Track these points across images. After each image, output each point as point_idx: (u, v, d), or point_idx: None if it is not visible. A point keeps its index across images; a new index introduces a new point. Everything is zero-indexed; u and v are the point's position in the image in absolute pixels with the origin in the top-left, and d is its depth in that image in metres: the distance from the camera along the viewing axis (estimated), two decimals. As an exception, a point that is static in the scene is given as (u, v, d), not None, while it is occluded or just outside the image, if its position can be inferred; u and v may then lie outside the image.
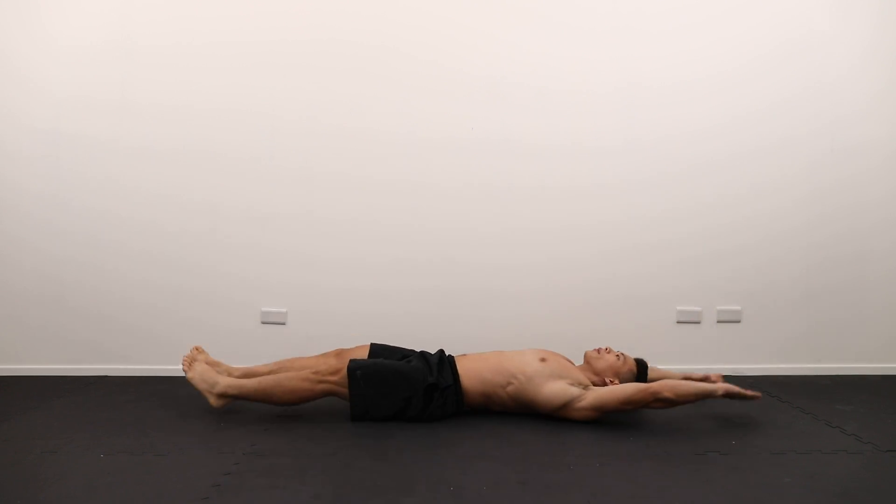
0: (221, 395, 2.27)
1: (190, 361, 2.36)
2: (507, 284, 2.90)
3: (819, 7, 2.93)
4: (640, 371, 2.41)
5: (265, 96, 2.86)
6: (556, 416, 2.23)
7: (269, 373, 2.39)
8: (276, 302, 2.88)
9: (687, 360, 2.93)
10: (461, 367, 2.30)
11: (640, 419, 2.29)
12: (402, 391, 2.21)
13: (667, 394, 2.13)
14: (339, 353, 2.44)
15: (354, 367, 2.21)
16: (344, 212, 2.86)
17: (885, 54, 2.94)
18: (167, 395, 2.54)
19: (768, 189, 2.93)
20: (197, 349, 2.43)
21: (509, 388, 2.25)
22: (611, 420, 2.26)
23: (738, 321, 2.95)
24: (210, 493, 1.67)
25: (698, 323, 2.95)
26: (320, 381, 2.23)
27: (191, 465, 1.86)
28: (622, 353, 2.41)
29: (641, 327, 2.93)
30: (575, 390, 2.21)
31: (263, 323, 2.89)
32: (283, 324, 2.88)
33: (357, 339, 2.88)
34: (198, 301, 2.87)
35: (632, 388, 2.19)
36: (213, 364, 2.41)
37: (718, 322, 2.95)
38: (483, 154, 2.89)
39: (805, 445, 2.02)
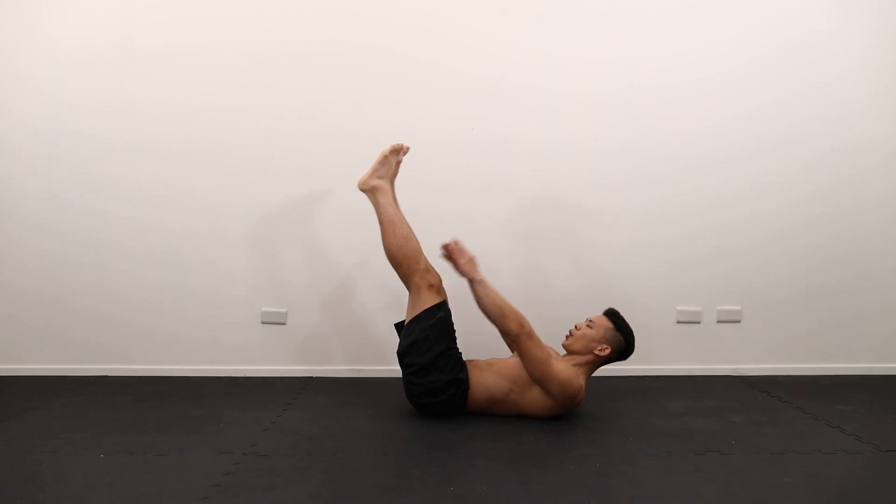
0: (369, 189, 2.40)
1: (390, 152, 2.43)
2: (506, 285, 2.89)
3: (819, 7, 2.93)
4: (613, 319, 2.37)
5: (265, 96, 2.86)
6: (561, 412, 2.23)
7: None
8: (276, 302, 2.88)
9: (687, 360, 2.93)
10: (471, 372, 2.30)
11: (639, 419, 2.29)
12: (445, 363, 2.23)
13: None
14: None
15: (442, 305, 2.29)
16: (344, 212, 2.85)
17: (885, 54, 2.94)
18: (167, 395, 2.54)
19: (768, 189, 2.94)
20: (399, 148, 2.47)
21: (512, 395, 2.25)
22: (611, 420, 2.27)
23: (738, 321, 2.95)
24: (210, 493, 1.67)
25: (698, 323, 2.95)
26: (427, 269, 2.32)
27: (191, 465, 1.86)
28: (589, 319, 2.38)
29: (641, 327, 2.90)
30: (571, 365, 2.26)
31: (263, 323, 2.89)
32: (283, 324, 2.88)
33: (357, 339, 2.89)
34: (198, 301, 2.87)
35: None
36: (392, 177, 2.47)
37: (718, 322, 2.95)
38: (483, 154, 2.89)
39: (805, 445, 2.02)
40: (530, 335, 2.19)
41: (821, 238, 2.95)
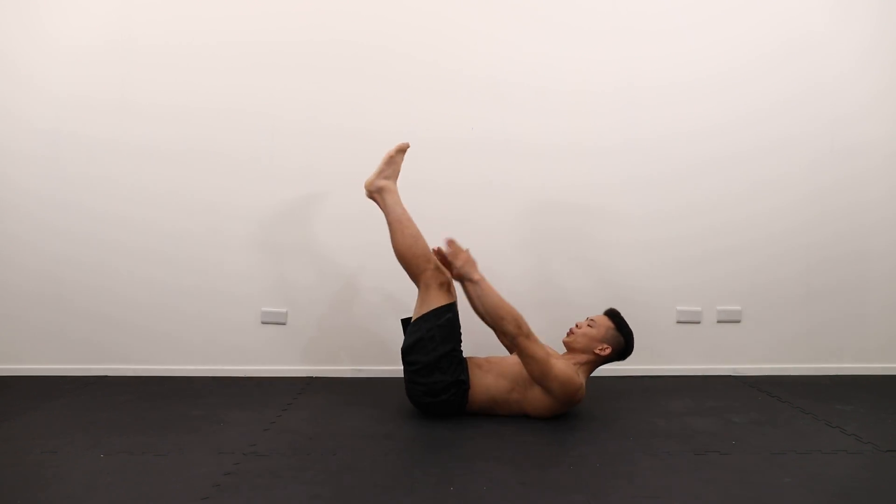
0: (376, 190, 2.40)
1: (396, 152, 2.44)
2: (506, 285, 2.89)
3: (819, 7, 2.93)
4: (614, 319, 2.36)
5: (265, 96, 2.86)
6: (562, 410, 2.23)
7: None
8: (276, 302, 2.88)
9: (687, 360, 2.93)
10: (472, 371, 2.30)
11: (639, 419, 2.29)
12: (448, 364, 2.23)
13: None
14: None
15: (451, 307, 2.28)
16: (344, 212, 2.85)
17: (885, 54, 2.94)
18: (167, 395, 2.54)
19: (768, 189, 2.94)
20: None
21: (513, 395, 2.25)
22: (611, 420, 2.27)
23: (738, 321, 2.95)
24: (210, 493, 1.67)
25: (698, 323, 2.95)
26: (437, 268, 2.31)
27: (191, 465, 1.86)
28: (590, 318, 2.37)
29: (641, 327, 2.91)
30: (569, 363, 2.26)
31: (263, 323, 2.89)
32: (284, 324, 2.88)
33: (357, 339, 2.89)
34: (198, 301, 2.87)
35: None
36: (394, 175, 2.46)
37: (718, 322, 2.95)
38: (483, 154, 2.89)
39: (805, 445, 2.02)
40: (528, 335, 2.18)
41: (821, 238, 2.95)
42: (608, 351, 2.30)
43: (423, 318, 2.26)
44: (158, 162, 2.85)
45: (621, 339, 2.33)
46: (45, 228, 2.84)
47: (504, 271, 2.89)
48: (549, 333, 2.90)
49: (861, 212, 2.95)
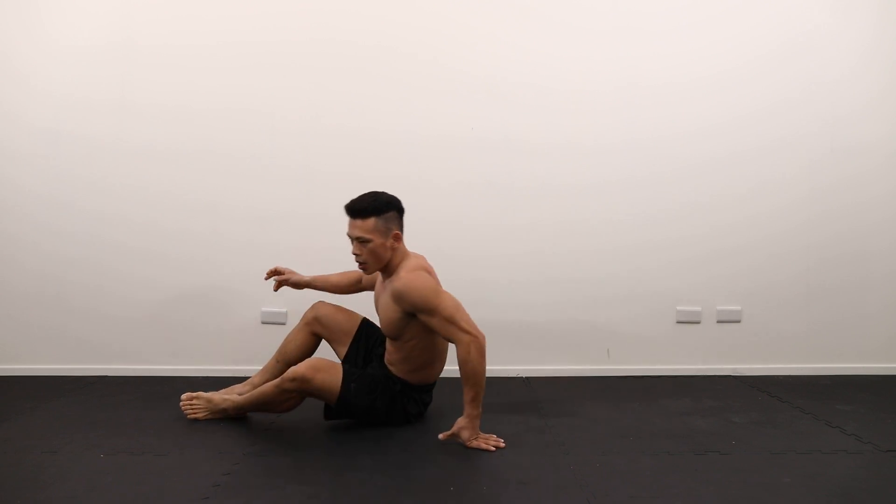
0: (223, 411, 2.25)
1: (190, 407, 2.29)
2: (506, 284, 2.90)
3: (820, 7, 2.93)
4: (375, 210, 2.13)
5: (265, 96, 2.86)
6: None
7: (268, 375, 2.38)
8: (276, 302, 2.87)
9: (687, 360, 2.93)
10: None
11: (639, 419, 2.29)
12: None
13: None
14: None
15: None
16: (344, 211, 2.85)
17: (885, 54, 2.93)
18: (167, 395, 2.53)
19: (768, 189, 2.93)
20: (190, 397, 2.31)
21: (408, 344, 2.15)
22: (611, 420, 2.27)
23: (738, 321, 2.95)
24: (210, 493, 1.67)
25: (698, 323, 2.95)
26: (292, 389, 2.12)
27: (191, 465, 1.86)
28: (358, 236, 2.13)
29: (641, 327, 2.93)
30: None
31: (263, 323, 2.89)
32: (283, 324, 2.87)
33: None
34: (198, 301, 2.87)
35: None
36: (210, 398, 2.30)
37: (718, 322, 2.95)
38: (483, 153, 2.89)
39: (805, 445, 2.02)
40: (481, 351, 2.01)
41: (821, 238, 2.94)
42: (397, 233, 2.14)
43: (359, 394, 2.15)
44: (158, 162, 2.85)
45: (392, 211, 2.14)
46: (45, 228, 2.84)
47: (503, 271, 2.90)
48: (549, 333, 2.92)
49: (861, 212, 2.95)
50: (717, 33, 2.92)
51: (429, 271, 2.18)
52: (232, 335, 2.87)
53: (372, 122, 2.86)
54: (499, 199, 2.90)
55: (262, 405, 2.18)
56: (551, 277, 2.91)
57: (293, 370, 2.08)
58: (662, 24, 2.91)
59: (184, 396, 2.30)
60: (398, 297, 2.08)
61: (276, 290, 2.48)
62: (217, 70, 2.85)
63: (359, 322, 2.42)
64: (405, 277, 2.09)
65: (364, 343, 2.39)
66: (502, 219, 2.90)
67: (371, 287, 2.40)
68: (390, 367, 2.22)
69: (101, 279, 2.85)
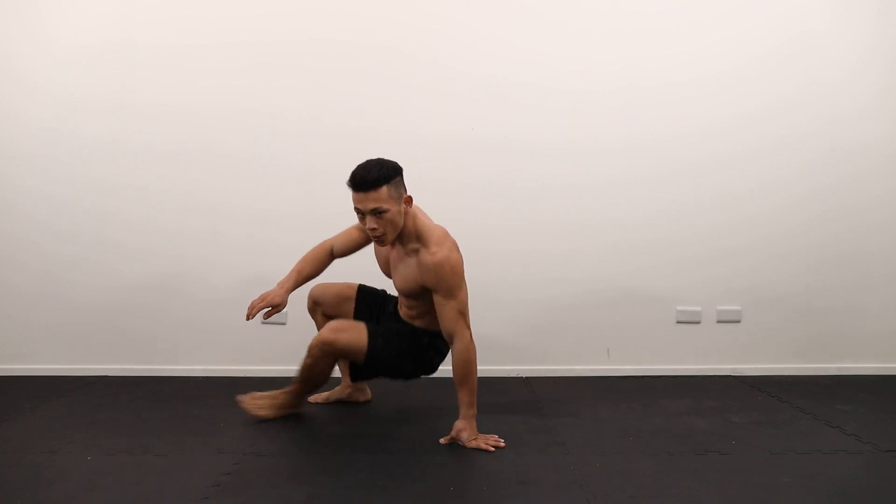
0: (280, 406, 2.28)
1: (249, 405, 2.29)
2: (506, 284, 2.90)
3: (819, 7, 2.93)
4: (385, 179, 2.06)
5: (265, 96, 2.86)
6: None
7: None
8: (276, 302, 2.87)
9: (687, 360, 2.93)
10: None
11: (639, 419, 2.29)
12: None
13: None
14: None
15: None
16: (345, 211, 2.84)
17: (885, 54, 2.94)
18: (167, 395, 2.54)
19: (768, 189, 2.93)
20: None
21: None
22: (611, 420, 2.27)
23: (738, 321, 2.95)
24: (210, 493, 1.67)
25: (698, 323, 2.95)
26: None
27: (191, 465, 1.86)
28: (375, 208, 2.06)
29: (641, 327, 2.93)
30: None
31: (263, 323, 2.88)
32: (284, 324, 2.87)
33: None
34: (198, 301, 2.87)
35: None
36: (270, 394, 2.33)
37: (718, 322, 2.95)
38: (483, 153, 2.89)
39: (805, 445, 2.02)
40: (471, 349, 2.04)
41: (821, 238, 2.94)
42: (408, 198, 2.10)
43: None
44: (158, 162, 2.85)
45: (399, 177, 2.09)
46: (45, 228, 2.84)
47: (503, 271, 2.90)
48: (549, 333, 2.92)
49: (861, 212, 2.95)
50: (717, 33, 2.92)
51: (456, 246, 2.15)
52: (232, 335, 2.86)
53: (372, 122, 2.86)
54: (499, 199, 2.90)
55: (306, 381, 2.24)
56: (551, 277, 2.91)
57: (316, 337, 2.16)
58: (662, 24, 2.91)
59: (244, 397, 2.29)
60: (425, 269, 2.04)
61: (266, 318, 2.29)
62: (217, 70, 2.85)
63: (356, 287, 2.43)
64: (439, 255, 2.03)
65: (370, 303, 2.38)
66: (502, 219, 2.90)
67: (342, 254, 2.38)
68: (412, 322, 2.23)
69: (102, 279, 2.85)
